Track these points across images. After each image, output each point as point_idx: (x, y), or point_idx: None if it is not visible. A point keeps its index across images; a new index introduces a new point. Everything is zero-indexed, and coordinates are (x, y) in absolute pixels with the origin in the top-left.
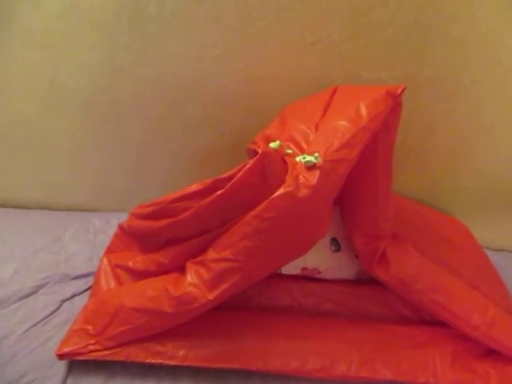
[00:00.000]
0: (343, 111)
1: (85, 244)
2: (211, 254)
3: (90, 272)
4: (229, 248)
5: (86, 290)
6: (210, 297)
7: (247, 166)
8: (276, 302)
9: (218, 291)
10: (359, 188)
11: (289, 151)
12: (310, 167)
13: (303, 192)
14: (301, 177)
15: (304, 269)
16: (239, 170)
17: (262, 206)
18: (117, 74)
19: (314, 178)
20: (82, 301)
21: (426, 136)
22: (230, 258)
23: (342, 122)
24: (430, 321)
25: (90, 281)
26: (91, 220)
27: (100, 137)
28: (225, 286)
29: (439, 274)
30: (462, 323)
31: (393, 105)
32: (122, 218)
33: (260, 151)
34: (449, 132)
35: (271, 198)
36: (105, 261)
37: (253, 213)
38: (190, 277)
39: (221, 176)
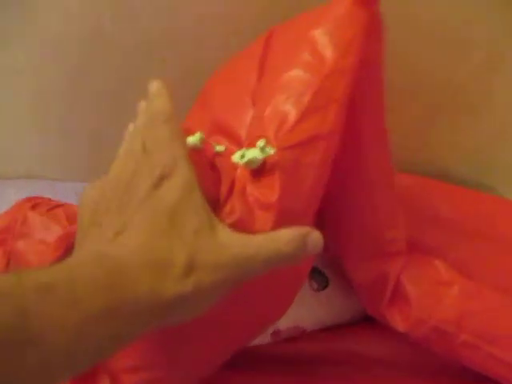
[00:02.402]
0: (292, 57)
1: None
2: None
3: None
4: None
5: None
6: None
7: None
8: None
9: None
10: (341, 182)
11: (220, 149)
12: (259, 170)
13: (261, 217)
14: (249, 190)
15: (276, 333)
16: None
17: None
18: None
19: (272, 187)
20: None
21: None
22: (141, 365)
23: (295, 73)
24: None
25: None
26: None
27: None
28: None
29: (495, 308)
30: None
31: (367, 20)
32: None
33: None
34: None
35: None
36: None
37: None
38: None
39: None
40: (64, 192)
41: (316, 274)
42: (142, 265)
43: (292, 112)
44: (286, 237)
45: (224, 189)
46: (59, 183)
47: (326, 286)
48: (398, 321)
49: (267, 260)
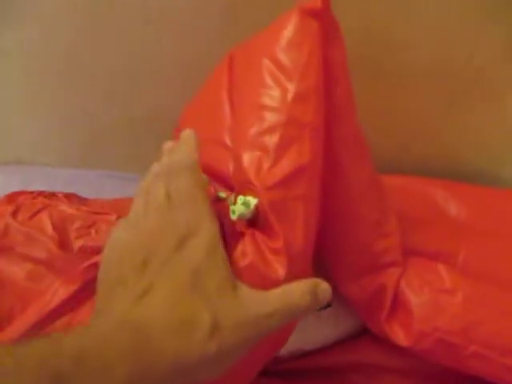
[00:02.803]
0: (255, 87)
1: None
2: None
3: None
4: None
5: None
6: None
7: None
8: None
9: None
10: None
11: (222, 195)
12: (254, 218)
13: (274, 262)
14: (257, 234)
15: (277, 357)
16: None
17: None
18: None
19: (274, 232)
20: None
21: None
22: None
23: (262, 104)
24: None
25: None
26: None
27: None
28: None
29: (505, 313)
30: None
31: (321, 29)
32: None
33: None
34: None
35: None
36: None
37: None
38: None
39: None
40: (55, 179)
41: None
42: (166, 326)
43: (268, 150)
44: (299, 290)
45: (228, 231)
46: (50, 169)
47: (328, 305)
48: (400, 335)
49: (285, 315)
